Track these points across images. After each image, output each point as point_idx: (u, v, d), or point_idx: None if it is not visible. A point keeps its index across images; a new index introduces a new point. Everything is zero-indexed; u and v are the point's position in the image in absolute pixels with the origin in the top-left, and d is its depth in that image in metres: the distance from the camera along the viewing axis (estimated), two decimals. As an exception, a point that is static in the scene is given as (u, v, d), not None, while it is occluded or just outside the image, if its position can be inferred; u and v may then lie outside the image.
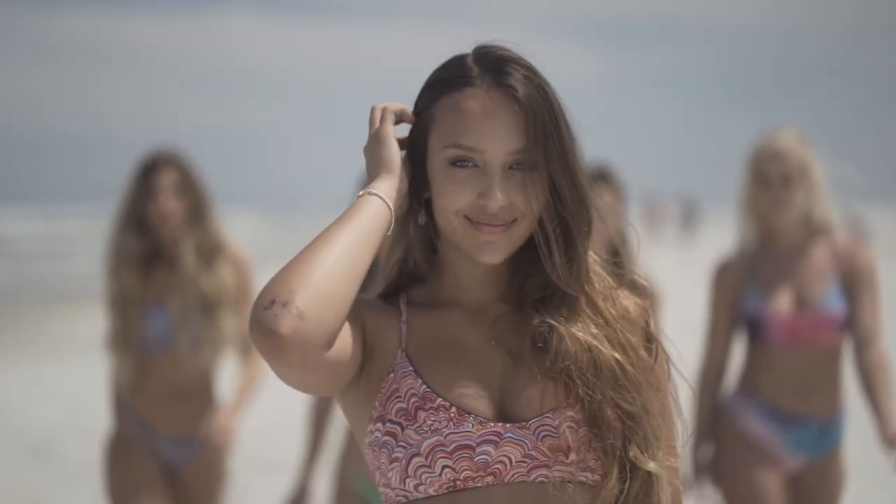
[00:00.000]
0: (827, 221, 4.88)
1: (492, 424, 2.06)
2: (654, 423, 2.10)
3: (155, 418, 5.22)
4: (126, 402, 5.27)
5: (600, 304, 2.15)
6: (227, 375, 5.38)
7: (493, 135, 2.10)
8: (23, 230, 54.52)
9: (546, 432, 2.06)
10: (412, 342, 2.12)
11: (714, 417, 4.91)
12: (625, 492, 2.08)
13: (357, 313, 2.11)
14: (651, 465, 2.08)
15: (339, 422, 5.58)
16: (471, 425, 2.06)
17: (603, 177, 5.27)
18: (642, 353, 2.14)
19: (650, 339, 2.18)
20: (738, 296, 4.88)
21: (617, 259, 5.20)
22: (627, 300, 2.20)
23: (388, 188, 2.10)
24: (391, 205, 2.10)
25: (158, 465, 5.23)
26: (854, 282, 4.83)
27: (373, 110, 2.18)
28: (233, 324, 5.24)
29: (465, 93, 2.13)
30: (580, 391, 2.07)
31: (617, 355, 2.11)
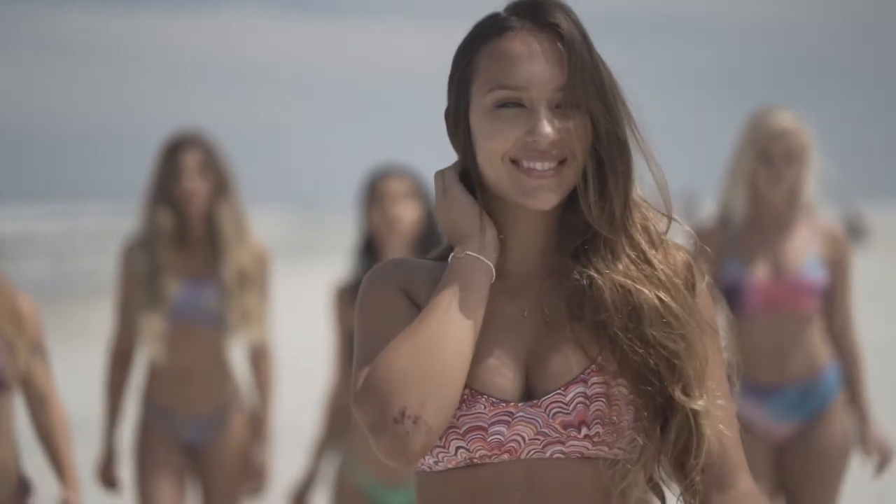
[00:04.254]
0: (812, 202, 5.00)
1: (504, 405, 2.04)
2: (699, 364, 2.06)
3: (174, 402, 5.28)
4: (144, 394, 5.34)
5: (644, 246, 2.10)
6: (236, 357, 5.46)
7: (538, 73, 2.07)
8: (42, 228, 54.75)
9: (557, 409, 2.04)
10: None
11: None
12: (669, 441, 2.05)
13: (409, 297, 2.12)
14: (698, 404, 2.05)
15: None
16: (483, 406, 2.04)
17: None
18: (685, 291, 2.09)
19: (693, 290, 2.12)
20: (718, 263, 4.95)
21: None
22: (677, 251, 2.14)
23: (480, 246, 2.08)
24: (490, 261, 2.08)
25: (180, 448, 5.29)
26: (835, 266, 4.97)
27: (435, 176, 2.17)
28: (258, 304, 5.30)
29: (505, 36, 2.10)
30: (624, 346, 2.04)
31: (660, 294, 2.06)
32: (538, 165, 2.06)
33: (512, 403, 2.05)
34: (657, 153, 2.12)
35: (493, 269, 2.08)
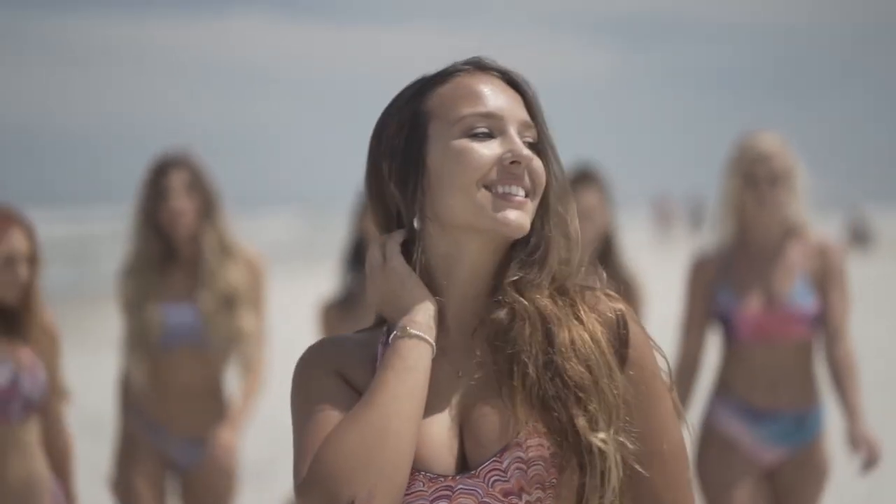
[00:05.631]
0: (802, 223, 5.06)
1: (442, 479, 2.01)
2: (606, 402, 2.02)
3: (167, 419, 5.29)
4: (138, 404, 5.33)
5: (569, 287, 2.10)
6: (233, 378, 5.53)
7: (504, 104, 2.07)
8: (51, 232, 54.71)
9: (496, 477, 2.01)
10: None
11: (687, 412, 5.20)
12: (587, 476, 2.01)
13: (343, 379, 2.08)
14: (598, 437, 2.00)
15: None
16: (421, 484, 2.01)
17: (588, 176, 5.41)
18: (603, 330, 2.07)
19: (625, 343, 2.08)
20: (711, 292, 5.05)
21: (606, 257, 5.49)
22: (606, 303, 2.11)
23: (423, 324, 2.04)
24: (433, 339, 2.04)
25: (166, 467, 5.32)
26: (825, 278, 5.00)
27: (372, 247, 2.12)
28: (250, 321, 5.31)
29: (458, 76, 2.10)
30: (529, 371, 2.01)
31: (575, 328, 2.05)
32: (513, 189, 2.04)
33: (450, 477, 2.02)
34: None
35: (435, 347, 2.04)
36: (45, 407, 4.34)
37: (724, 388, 5.05)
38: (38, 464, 4.28)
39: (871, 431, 4.89)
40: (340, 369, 2.07)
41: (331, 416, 2.01)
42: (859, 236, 40.19)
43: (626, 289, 5.35)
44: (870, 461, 4.86)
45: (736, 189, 5.08)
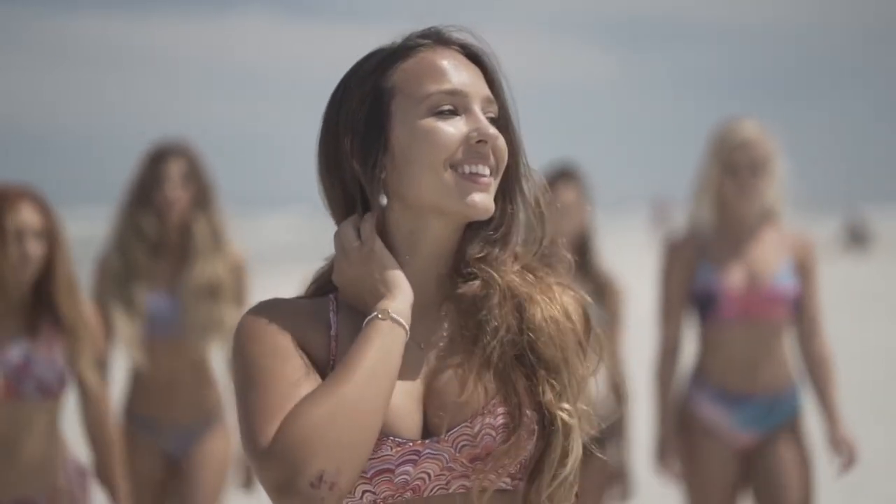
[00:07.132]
0: (779, 211, 5.07)
1: (410, 444, 2.00)
2: (576, 381, 2.03)
3: (157, 412, 5.28)
4: (126, 404, 5.32)
5: (537, 265, 2.11)
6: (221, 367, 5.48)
7: (468, 80, 2.05)
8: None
9: (464, 442, 2.00)
10: (340, 358, 2.02)
11: (672, 400, 5.09)
12: (548, 449, 2.02)
13: (297, 340, 2.04)
14: (563, 410, 2.00)
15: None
16: (389, 448, 1.99)
17: (567, 174, 5.45)
18: (574, 316, 2.08)
19: (590, 331, 2.10)
20: (690, 272, 5.04)
21: (583, 257, 5.54)
22: (567, 296, 2.10)
23: (400, 307, 2.02)
24: (408, 323, 2.01)
25: (161, 459, 5.29)
26: (802, 269, 5.03)
27: (345, 229, 2.08)
28: (232, 314, 5.25)
29: (419, 51, 2.06)
30: (496, 341, 2.01)
31: (547, 307, 2.05)
32: (481, 169, 2.02)
33: (418, 442, 2.00)
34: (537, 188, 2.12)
35: (408, 335, 2.02)
36: (88, 395, 4.23)
37: (700, 374, 5.06)
38: (53, 447, 4.14)
39: (849, 433, 4.93)
40: (294, 330, 2.03)
41: (293, 377, 1.97)
42: (858, 237, 40.24)
43: (604, 290, 5.46)
44: (848, 463, 4.91)
45: (715, 176, 5.08)
